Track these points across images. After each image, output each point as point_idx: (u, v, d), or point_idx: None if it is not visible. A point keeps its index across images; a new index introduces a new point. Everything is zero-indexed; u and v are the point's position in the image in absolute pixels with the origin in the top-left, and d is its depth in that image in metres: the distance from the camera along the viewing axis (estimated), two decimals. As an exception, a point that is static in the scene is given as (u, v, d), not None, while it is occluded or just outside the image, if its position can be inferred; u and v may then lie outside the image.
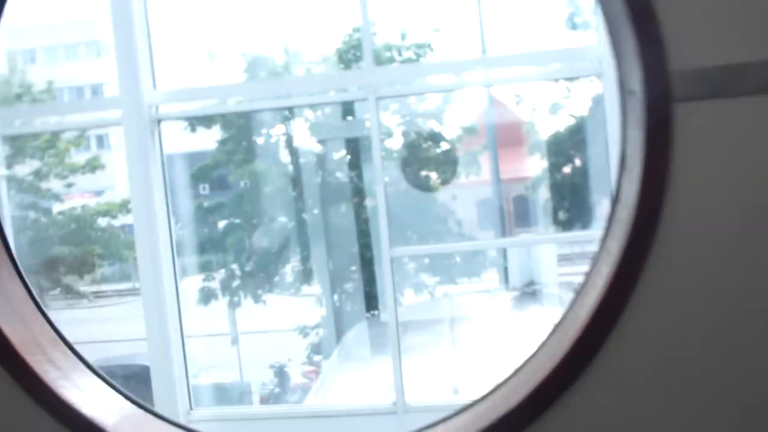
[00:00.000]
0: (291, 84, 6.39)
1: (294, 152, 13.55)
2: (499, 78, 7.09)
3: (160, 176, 5.76)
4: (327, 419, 5.56)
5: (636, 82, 1.66)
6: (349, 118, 12.11)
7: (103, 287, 31.88)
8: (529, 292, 10.58)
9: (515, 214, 14.78)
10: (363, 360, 8.47)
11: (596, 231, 13.73)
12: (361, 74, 6.13)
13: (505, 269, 12.07)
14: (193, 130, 11.33)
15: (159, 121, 5.65)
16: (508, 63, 6.39)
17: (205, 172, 12.46)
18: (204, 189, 13.58)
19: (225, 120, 11.72)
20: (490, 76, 6.88)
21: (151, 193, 5.65)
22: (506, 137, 17.81)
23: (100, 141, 20.71)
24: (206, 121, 11.50)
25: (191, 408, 5.79)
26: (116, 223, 15.93)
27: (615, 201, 1.83)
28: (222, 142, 12.08)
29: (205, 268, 14.59)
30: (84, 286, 17.03)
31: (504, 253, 12.24)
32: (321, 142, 13.37)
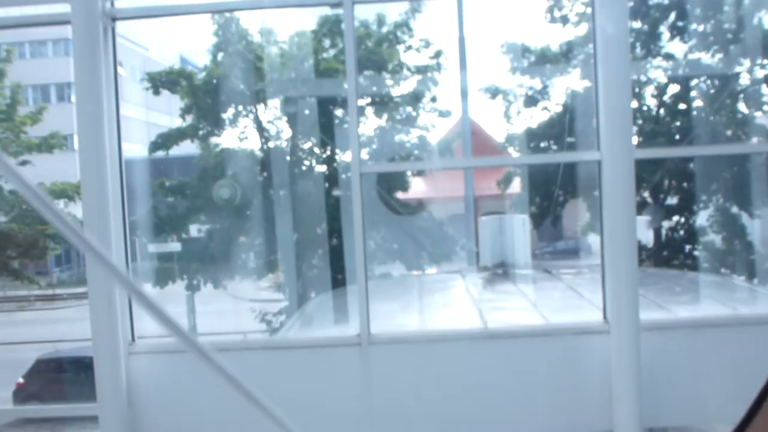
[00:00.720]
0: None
1: (263, 133, 13.09)
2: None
3: (112, 87, 5.24)
4: (287, 351, 5.07)
5: None
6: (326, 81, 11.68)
7: (59, 290, 30.83)
8: (500, 273, 10.16)
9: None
10: (324, 327, 7.94)
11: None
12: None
13: (477, 254, 11.73)
14: (156, 92, 10.80)
15: (114, 19, 5.13)
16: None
17: (167, 141, 11.86)
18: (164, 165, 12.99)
19: (191, 86, 11.19)
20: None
21: (100, 114, 5.10)
22: (480, 155, 17.79)
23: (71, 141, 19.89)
24: (170, 84, 10.97)
25: (133, 340, 5.24)
26: (73, 205, 15.17)
27: None
28: (186, 109, 11.50)
29: (164, 249, 13.95)
30: (31, 273, 16.09)
31: (475, 239, 11.90)
32: (291, 120, 12.93)
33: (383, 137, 13.10)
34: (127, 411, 4.98)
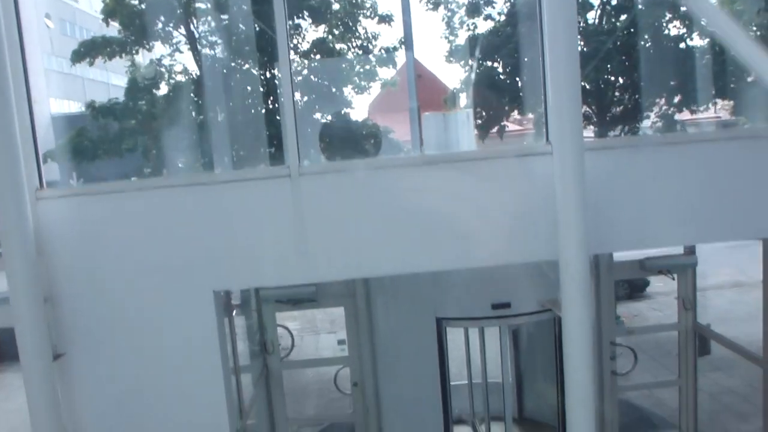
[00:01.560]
0: None
1: (196, 45, 12.44)
2: None
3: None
4: (217, 186, 4.67)
5: None
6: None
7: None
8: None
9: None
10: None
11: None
12: None
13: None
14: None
15: None
16: None
17: (91, 51, 11.09)
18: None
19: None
20: None
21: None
22: (428, 100, 17.54)
23: None
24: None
25: (41, 186, 4.77)
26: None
27: None
28: (108, 13, 10.72)
29: (94, 175, 13.27)
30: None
31: (420, 144, 11.65)
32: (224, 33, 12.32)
33: (322, 47, 12.64)
34: (36, 259, 4.54)
